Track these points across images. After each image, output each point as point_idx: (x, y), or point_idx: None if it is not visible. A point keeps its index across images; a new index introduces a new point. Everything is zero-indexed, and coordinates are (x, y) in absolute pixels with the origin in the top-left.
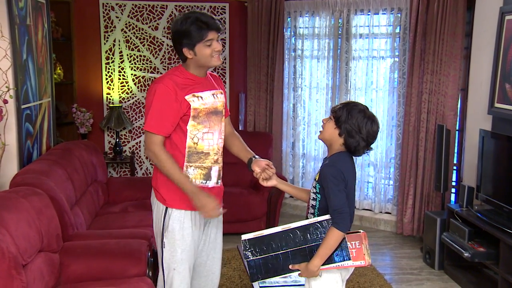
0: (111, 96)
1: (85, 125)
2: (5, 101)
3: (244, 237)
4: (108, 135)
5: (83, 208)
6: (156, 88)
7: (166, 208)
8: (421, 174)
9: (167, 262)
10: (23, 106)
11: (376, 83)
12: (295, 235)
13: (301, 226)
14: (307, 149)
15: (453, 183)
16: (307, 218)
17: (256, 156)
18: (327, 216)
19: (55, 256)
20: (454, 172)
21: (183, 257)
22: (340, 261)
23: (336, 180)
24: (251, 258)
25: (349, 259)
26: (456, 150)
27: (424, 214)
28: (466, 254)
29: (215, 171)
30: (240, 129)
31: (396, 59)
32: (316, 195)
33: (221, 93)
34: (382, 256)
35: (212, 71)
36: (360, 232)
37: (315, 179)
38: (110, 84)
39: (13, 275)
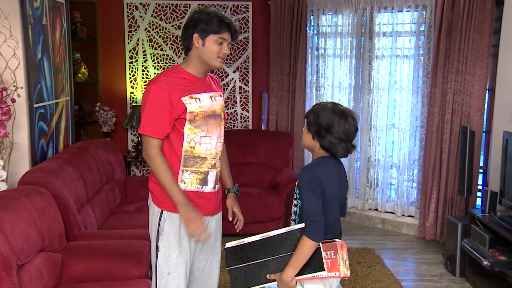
0: (134, 95)
1: (108, 124)
2: (13, 100)
3: (227, 245)
4: (131, 134)
5: (95, 207)
6: (150, 89)
7: (162, 211)
8: (445, 177)
9: (161, 266)
10: (36, 105)
11: (399, 83)
12: (273, 243)
13: (278, 234)
14: None
15: (480, 187)
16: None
17: (234, 189)
18: (303, 224)
19: (57, 256)
20: (481, 175)
21: (178, 262)
22: (314, 272)
23: (311, 186)
24: (232, 267)
25: (323, 270)
26: (483, 153)
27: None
28: (485, 263)
29: (212, 176)
30: (262, 129)
31: (421, 58)
32: (297, 201)
33: (220, 95)
34: (402, 261)
35: (235, 70)
36: (336, 241)
37: (296, 185)
38: (133, 83)
39: (3, 277)
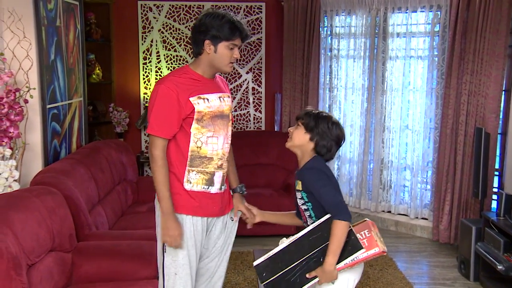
0: (147, 96)
1: (121, 124)
2: (26, 101)
3: (256, 262)
4: (145, 135)
5: (107, 207)
6: (158, 89)
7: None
8: (459, 179)
9: (168, 267)
10: (49, 106)
11: (413, 84)
12: (303, 243)
13: (306, 232)
14: (342, 151)
15: (496, 190)
16: None
17: (240, 189)
18: (327, 216)
19: (67, 256)
20: (497, 178)
21: (184, 262)
22: (353, 253)
23: (321, 180)
24: (267, 281)
25: (361, 248)
26: (499, 155)
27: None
28: (499, 267)
29: (218, 177)
30: (275, 130)
31: (435, 59)
32: (307, 205)
33: (228, 96)
34: (415, 264)
35: (248, 71)
36: (366, 220)
37: (297, 190)
38: (147, 84)
39: (12, 276)
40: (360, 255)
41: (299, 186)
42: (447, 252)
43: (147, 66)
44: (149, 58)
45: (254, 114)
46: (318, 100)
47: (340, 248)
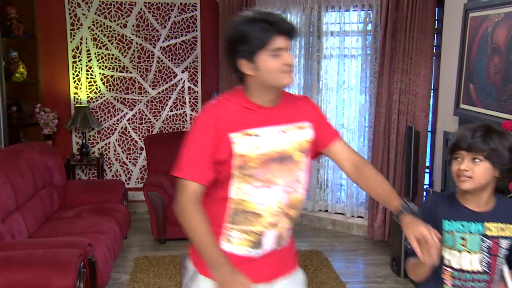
0: (78, 96)
1: (49, 126)
2: None
3: None
4: (76, 136)
5: (26, 214)
6: (197, 120)
7: (195, 272)
8: (392, 177)
9: None
10: None
11: (348, 83)
12: None
13: None
14: None
15: (427, 187)
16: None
17: (407, 207)
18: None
19: None
20: (428, 175)
21: None
22: None
23: None
24: None
25: None
26: (429, 153)
27: None
28: None
29: (271, 237)
30: None
31: (368, 58)
32: (504, 254)
33: (300, 128)
34: (350, 262)
35: (183, 70)
36: None
37: (504, 238)
38: (77, 84)
39: None
40: None
41: (506, 232)
42: (381, 249)
43: (77, 65)
44: (79, 57)
45: (191, 114)
46: None
47: None
